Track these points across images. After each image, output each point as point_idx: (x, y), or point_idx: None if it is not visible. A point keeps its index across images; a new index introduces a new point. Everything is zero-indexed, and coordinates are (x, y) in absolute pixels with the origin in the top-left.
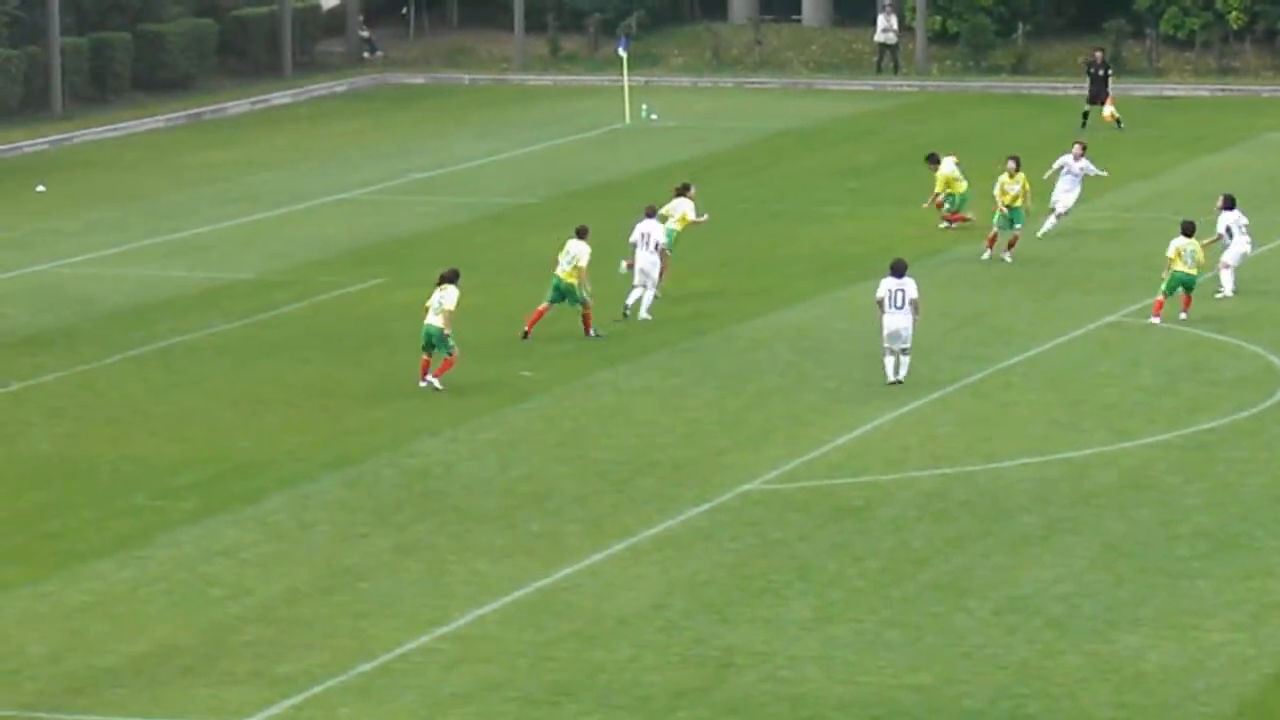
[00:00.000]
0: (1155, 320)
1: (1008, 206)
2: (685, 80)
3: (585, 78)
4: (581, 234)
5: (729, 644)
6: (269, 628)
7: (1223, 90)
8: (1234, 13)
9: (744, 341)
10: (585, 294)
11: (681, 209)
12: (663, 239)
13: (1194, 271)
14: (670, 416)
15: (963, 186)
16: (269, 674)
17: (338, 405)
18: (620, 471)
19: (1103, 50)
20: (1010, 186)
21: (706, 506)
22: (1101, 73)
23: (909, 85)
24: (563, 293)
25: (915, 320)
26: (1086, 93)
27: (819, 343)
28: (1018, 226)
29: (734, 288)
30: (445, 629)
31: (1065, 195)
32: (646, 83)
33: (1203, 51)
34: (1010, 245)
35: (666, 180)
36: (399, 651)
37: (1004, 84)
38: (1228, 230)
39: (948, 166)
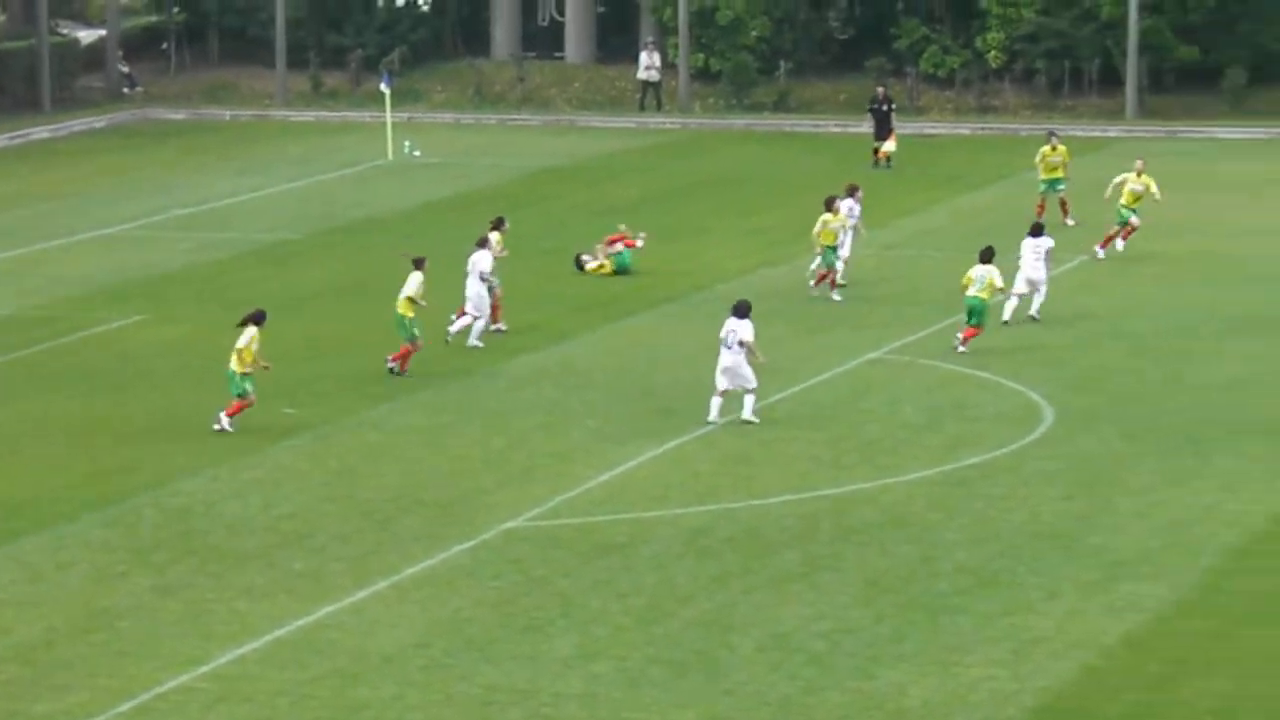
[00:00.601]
0: (962, 349)
1: (826, 245)
2: (448, 116)
3: (348, 114)
4: (418, 265)
5: (492, 682)
6: (26, 668)
7: (983, 129)
8: (993, 52)
9: (509, 379)
10: (417, 330)
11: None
12: (487, 268)
13: (984, 296)
14: (436, 455)
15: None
16: (26, 714)
17: (97, 444)
18: (385, 510)
19: (885, 86)
20: (834, 225)
21: (470, 544)
22: (885, 109)
23: (672, 123)
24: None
25: (754, 361)
26: (872, 130)
27: (583, 380)
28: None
29: (513, 319)
30: (205, 668)
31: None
32: (409, 119)
33: (963, 90)
34: (824, 279)
35: (431, 217)
36: (158, 691)
37: (767, 121)
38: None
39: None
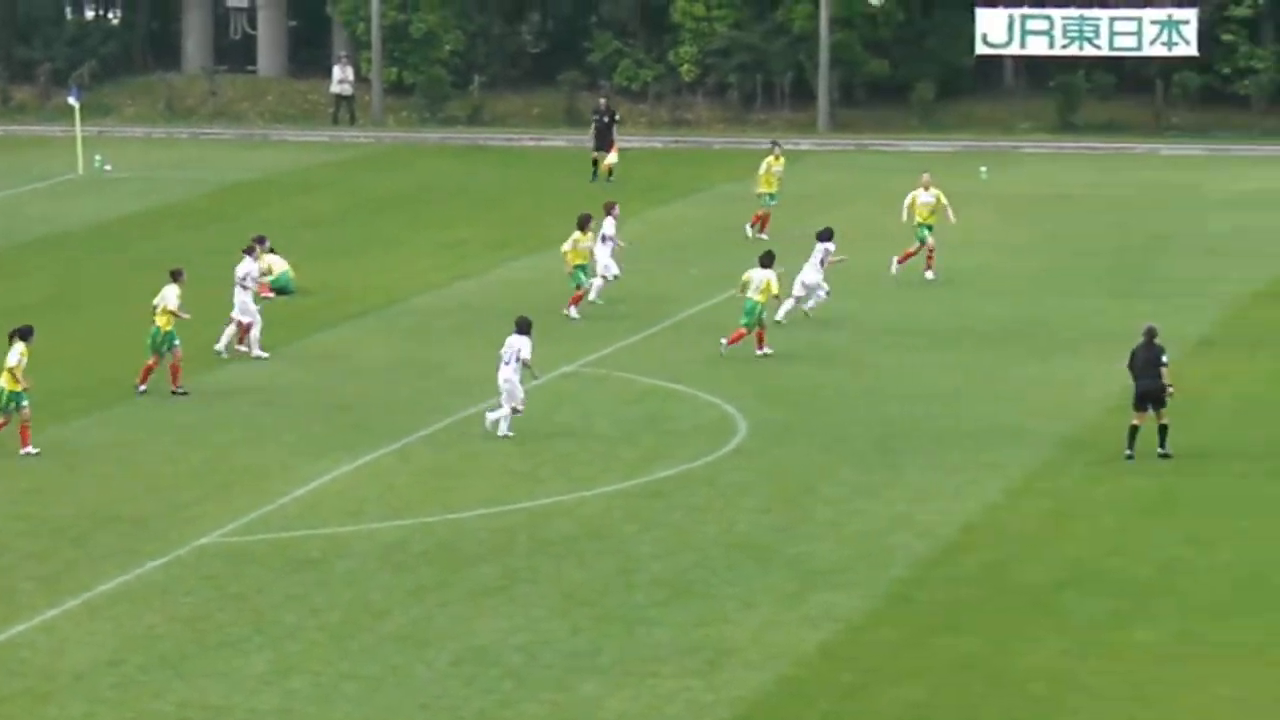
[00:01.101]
0: (765, 350)
1: (576, 265)
2: (139, 131)
3: (36, 128)
4: (175, 276)
5: (185, 699)
6: None
7: (675, 142)
8: (686, 65)
9: (205, 395)
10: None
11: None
12: (252, 284)
13: (760, 300)
14: (131, 471)
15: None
16: None
17: None
18: (79, 527)
19: (607, 98)
20: (584, 244)
21: (164, 560)
22: (607, 120)
23: (366, 136)
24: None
25: (531, 376)
26: (592, 141)
27: (279, 395)
28: (588, 283)
29: (197, 339)
30: None
31: (605, 259)
32: (100, 133)
33: (656, 103)
34: (579, 299)
35: (123, 231)
36: None
37: (461, 135)
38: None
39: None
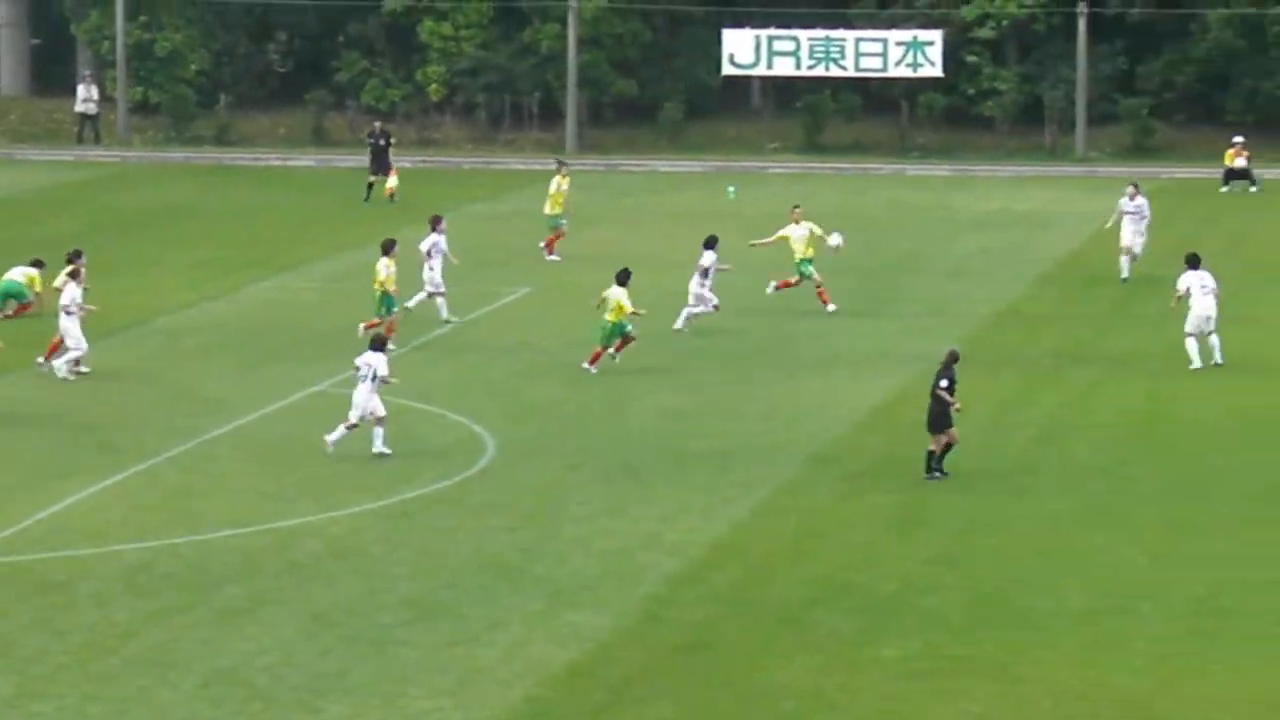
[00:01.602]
0: (590, 368)
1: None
2: None
3: None
4: None
5: None
6: None
7: (424, 161)
8: (433, 85)
9: None
10: None
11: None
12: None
13: (611, 319)
14: None
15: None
16: None
17: None
18: None
19: (381, 121)
20: (390, 267)
21: None
22: (383, 143)
23: (111, 155)
24: None
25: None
26: (369, 163)
27: (20, 416)
28: (395, 311)
29: None
30: None
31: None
32: None
33: (404, 123)
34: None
35: None
36: None
37: (207, 154)
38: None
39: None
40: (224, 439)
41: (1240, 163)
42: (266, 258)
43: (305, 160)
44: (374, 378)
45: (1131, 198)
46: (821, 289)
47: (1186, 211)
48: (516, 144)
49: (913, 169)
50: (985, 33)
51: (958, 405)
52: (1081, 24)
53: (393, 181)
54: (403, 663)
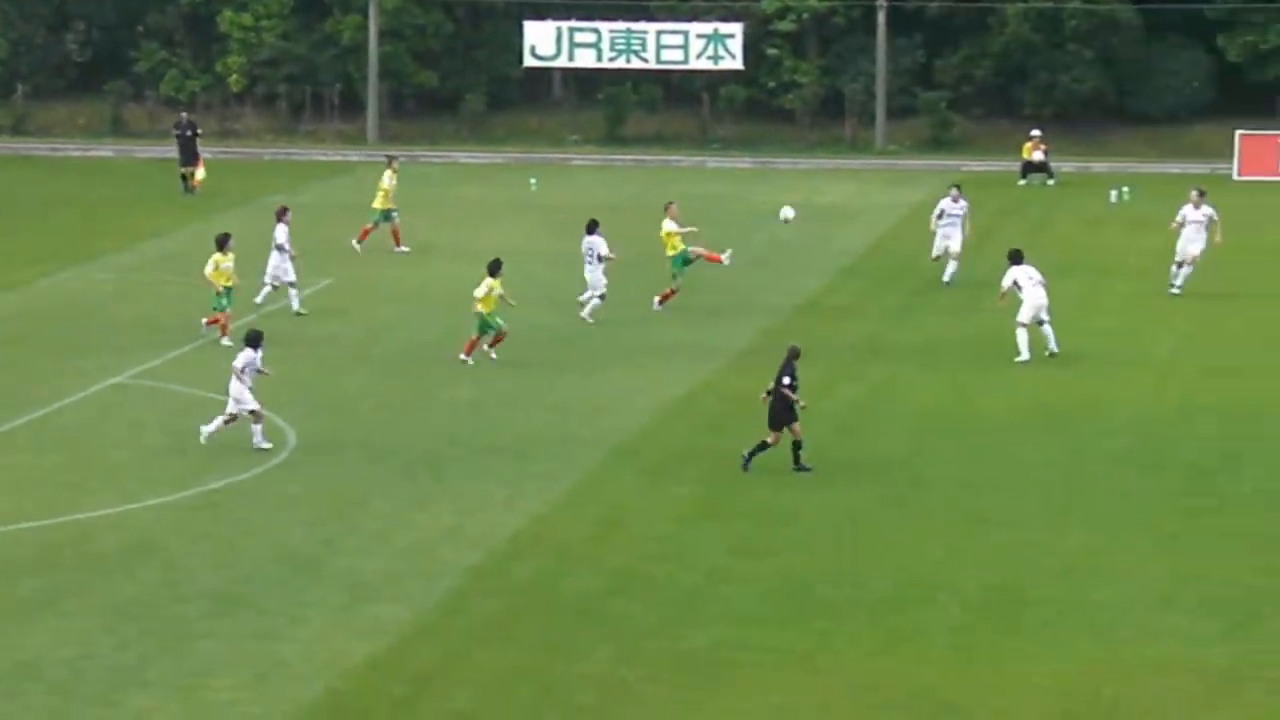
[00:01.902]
0: (465, 358)
1: (225, 286)
2: None
3: None
4: None
5: None
6: None
7: (224, 153)
8: (234, 76)
9: None
10: None
11: None
12: None
13: (484, 310)
14: None
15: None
16: None
17: None
18: None
19: (188, 111)
20: (225, 264)
21: None
22: (190, 134)
23: None
24: None
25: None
26: (178, 156)
27: None
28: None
29: None
30: None
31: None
32: None
33: (204, 113)
34: (216, 323)
35: None
36: None
37: (3, 145)
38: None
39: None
40: (21, 430)
41: (1038, 156)
42: (64, 249)
43: (104, 151)
44: (241, 372)
45: (955, 200)
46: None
47: (985, 204)
48: (317, 135)
49: (714, 161)
50: (786, 25)
51: (802, 404)
52: (881, 17)
53: (200, 173)
54: (202, 655)
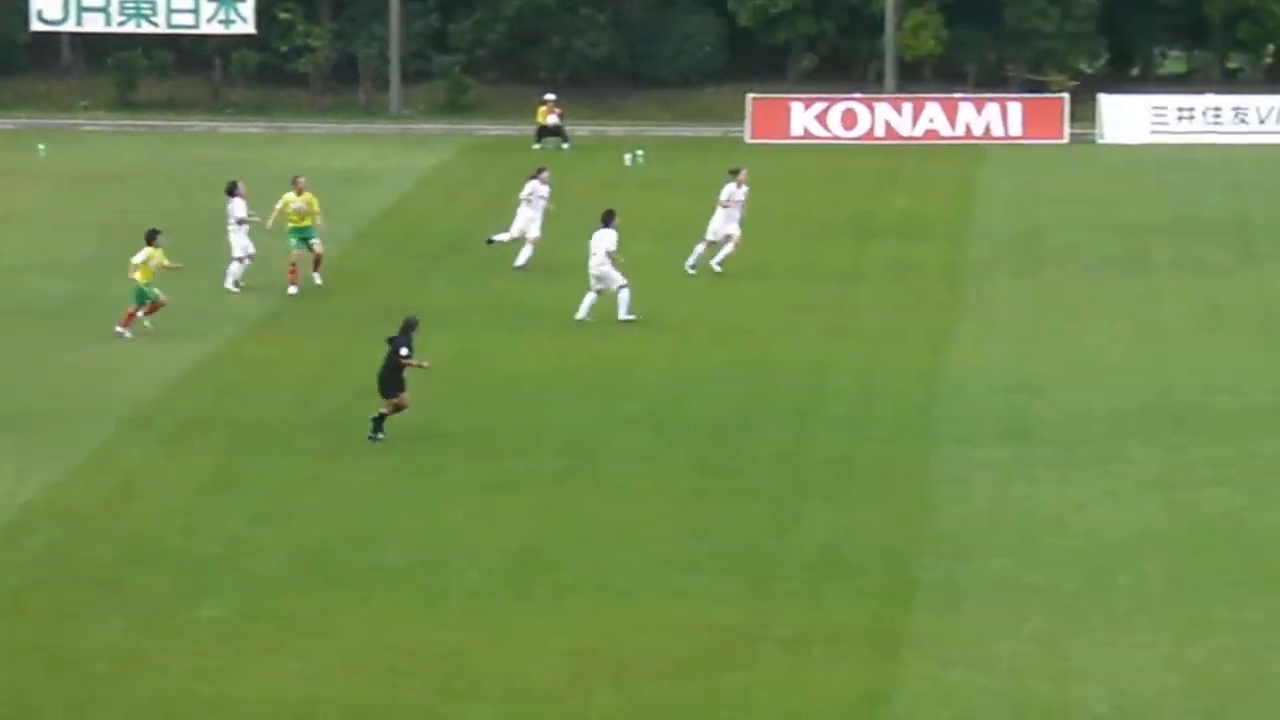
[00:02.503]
0: (123, 331)
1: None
2: None
3: None
4: None
5: None
6: None
7: None
8: None
9: None
10: None
11: None
12: None
13: (140, 278)
14: None
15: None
16: None
17: None
18: None
19: None
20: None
21: None
22: None
23: None
24: None
25: None
26: None
27: None
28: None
29: None
30: None
31: None
32: None
33: None
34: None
35: None
36: None
37: None
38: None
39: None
40: None
41: (552, 120)
42: None
43: None
44: None
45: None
46: (316, 261)
47: (500, 168)
48: None
49: (227, 126)
50: None
51: (426, 363)
52: None
53: None
54: None
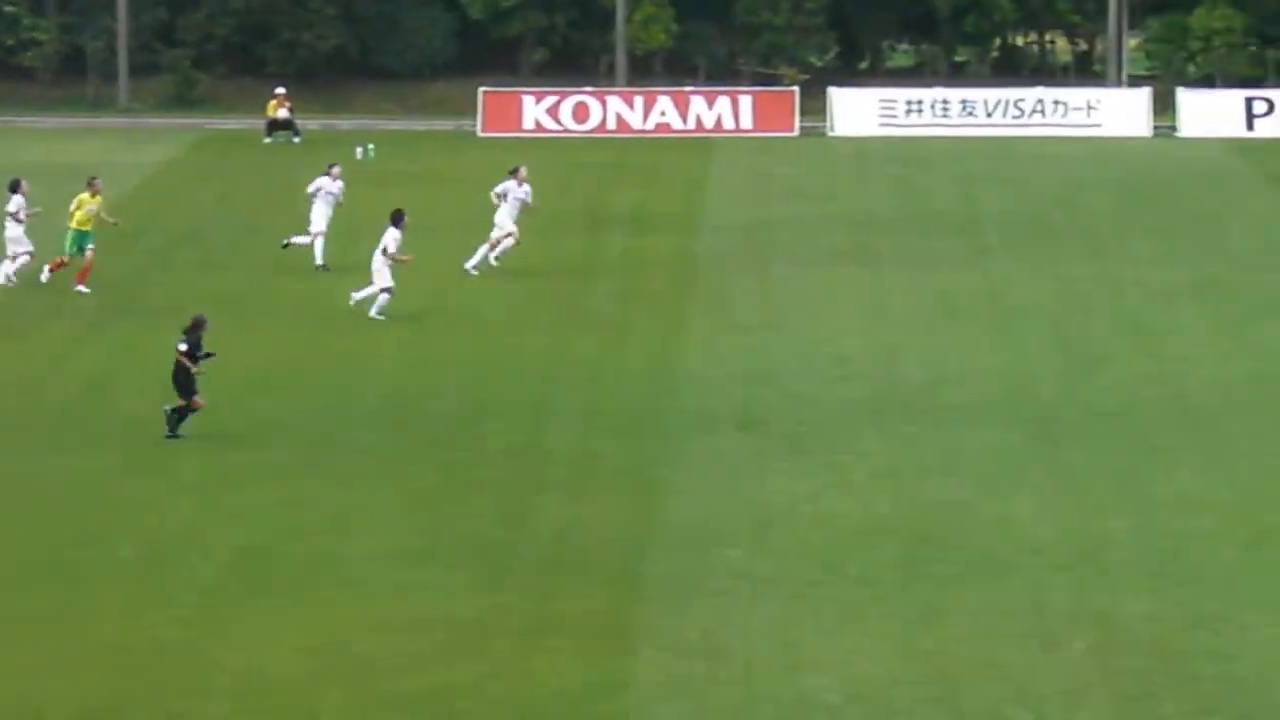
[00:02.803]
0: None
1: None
2: None
3: None
4: None
5: None
6: None
7: None
8: None
9: None
10: None
11: None
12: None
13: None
14: None
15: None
16: None
17: None
18: None
19: None
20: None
21: None
22: None
23: None
24: None
25: None
26: None
27: None
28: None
29: None
30: None
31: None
32: None
33: None
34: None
35: None
36: None
37: None
38: None
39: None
40: None
41: (283, 114)
42: None
43: None
44: None
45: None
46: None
47: (231, 162)
48: None
49: None
50: None
51: (200, 369)
52: None
53: None
54: None
